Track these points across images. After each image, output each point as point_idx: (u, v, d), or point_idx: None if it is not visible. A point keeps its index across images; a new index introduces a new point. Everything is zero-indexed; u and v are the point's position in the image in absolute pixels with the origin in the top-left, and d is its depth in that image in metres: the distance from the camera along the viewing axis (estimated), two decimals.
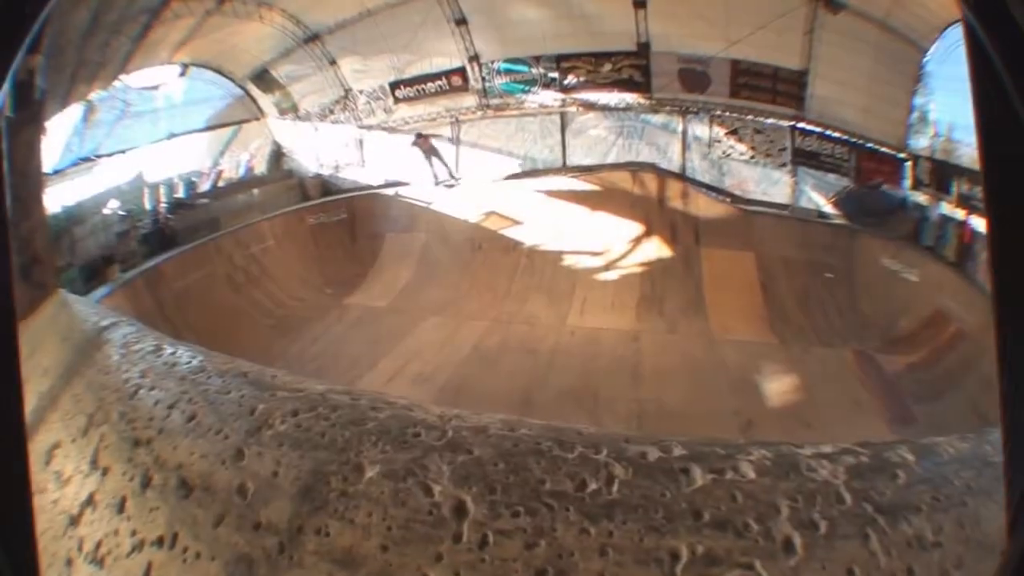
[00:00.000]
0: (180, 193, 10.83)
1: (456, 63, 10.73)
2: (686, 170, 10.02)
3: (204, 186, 11.23)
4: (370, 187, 11.06)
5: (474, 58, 10.69)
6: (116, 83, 9.58)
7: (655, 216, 9.44)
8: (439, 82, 10.89)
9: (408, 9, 10.46)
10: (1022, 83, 0.76)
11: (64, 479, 1.65)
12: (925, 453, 1.36)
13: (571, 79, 10.41)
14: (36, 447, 1.76)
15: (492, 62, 10.69)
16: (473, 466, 1.24)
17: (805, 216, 10.32)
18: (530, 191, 10.07)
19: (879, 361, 8.16)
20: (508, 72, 10.71)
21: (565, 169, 10.27)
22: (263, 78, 11.65)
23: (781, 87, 10.51)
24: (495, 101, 10.79)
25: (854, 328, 8.87)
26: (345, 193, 11.07)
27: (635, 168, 9.97)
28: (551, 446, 1.27)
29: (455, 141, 10.73)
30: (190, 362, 1.79)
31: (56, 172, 8.78)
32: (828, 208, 10.40)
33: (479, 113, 10.87)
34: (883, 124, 10.23)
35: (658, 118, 10.36)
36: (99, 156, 9.73)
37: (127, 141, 10.15)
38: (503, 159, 10.60)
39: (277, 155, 12.01)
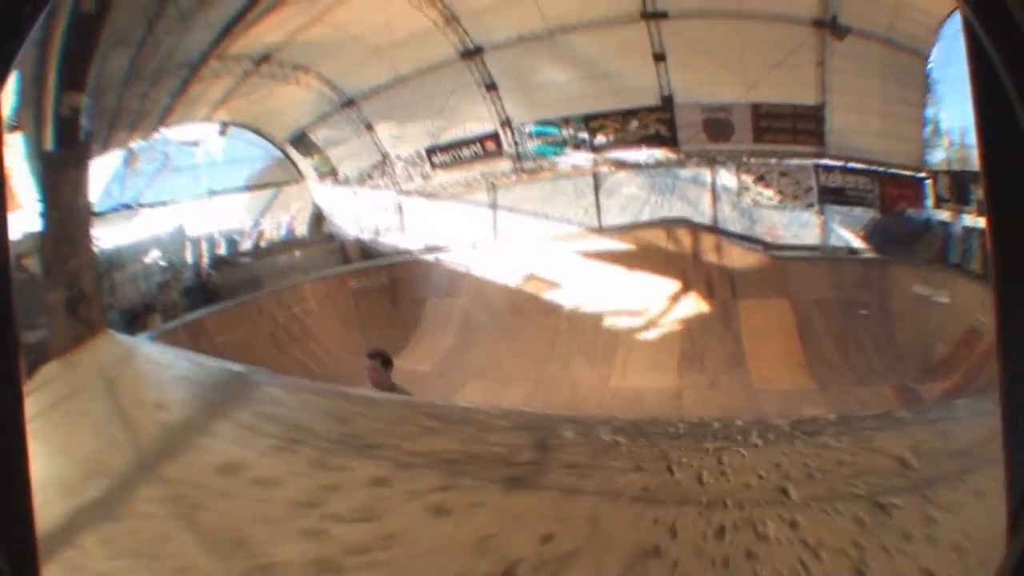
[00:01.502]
0: (222, 250, 11.27)
1: (489, 128, 11.09)
2: (718, 221, 10.23)
3: (246, 244, 11.72)
4: (410, 252, 11.42)
5: (506, 122, 11.06)
6: (156, 135, 10.08)
7: (691, 271, 9.67)
8: (474, 147, 11.25)
9: (439, 75, 10.89)
10: (1022, 83, 0.79)
11: None
12: None
13: (600, 138, 10.74)
14: None
15: (523, 125, 11.04)
16: None
17: (835, 255, 10.43)
18: (567, 253, 10.34)
19: (918, 393, 8.24)
20: (539, 135, 11.06)
21: (601, 229, 10.53)
22: (302, 141, 12.07)
23: (801, 125, 10.71)
24: (529, 164, 11.12)
25: (892, 362, 8.93)
26: (385, 257, 11.44)
27: (669, 224, 10.23)
28: None
29: (492, 206, 11.07)
30: None
31: (95, 214, 8.94)
32: (857, 243, 10.48)
33: (514, 177, 11.22)
34: (900, 145, 10.38)
35: (687, 171, 10.61)
36: (140, 204, 10.18)
37: (167, 193, 10.63)
38: (540, 222, 10.89)
39: (318, 218, 12.44)
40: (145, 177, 10.28)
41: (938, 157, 10.07)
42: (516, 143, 11.03)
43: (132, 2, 7.66)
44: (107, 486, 2.43)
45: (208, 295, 9.94)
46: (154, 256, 10.08)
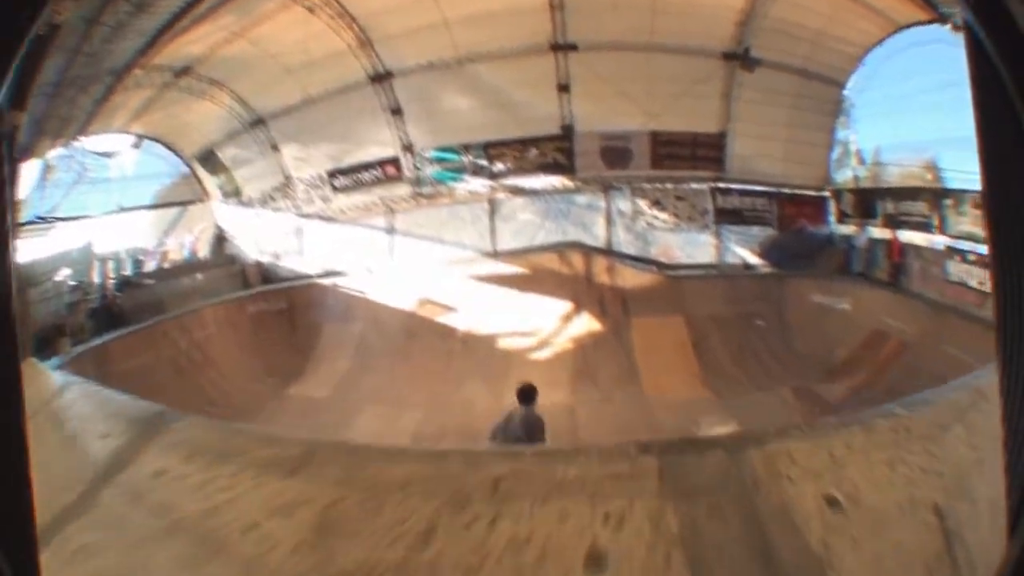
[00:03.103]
0: (127, 270, 10.83)
1: (390, 152, 11.12)
2: (612, 245, 10.48)
3: (150, 265, 11.21)
4: (309, 276, 11.22)
5: (408, 147, 11.12)
6: (76, 143, 9.64)
7: (583, 292, 9.82)
8: (374, 171, 11.24)
9: (347, 98, 10.90)
10: (1022, 83, 0.78)
11: None
12: None
13: (499, 166, 10.91)
14: None
15: (424, 150, 11.12)
16: None
17: (731, 272, 10.68)
18: (462, 277, 10.37)
19: (819, 392, 8.45)
20: (439, 161, 11.14)
21: (495, 254, 10.63)
22: (209, 159, 11.78)
23: (701, 152, 11.06)
24: (427, 189, 11.17)
25: (792, 369, 9.13)
26: (285, 281, 11.21)
27: (562, 248, 10.42)
28: None
29: (390, 230, 11.06)
30: None
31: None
32: (754, 259, 10.82)
33: (412, 202, 11.23)
34: (804, 168, 10.81)
35: (583, 197, 10.87)
36: (56, 218, 9.67)
37: (81, 207, 10.14)
38: (436, 246, 10.92)
39: (220, 240, 12.06)
40: (62, 188, 9.79)
41: (846, 175, 10.60)
42: (416, 168, 11.09)
43: (73, 8, 7.33)
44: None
45: (113, 319, 9.48)
46: (64, 274, 9.56)
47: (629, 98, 10.97)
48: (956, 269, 8.49)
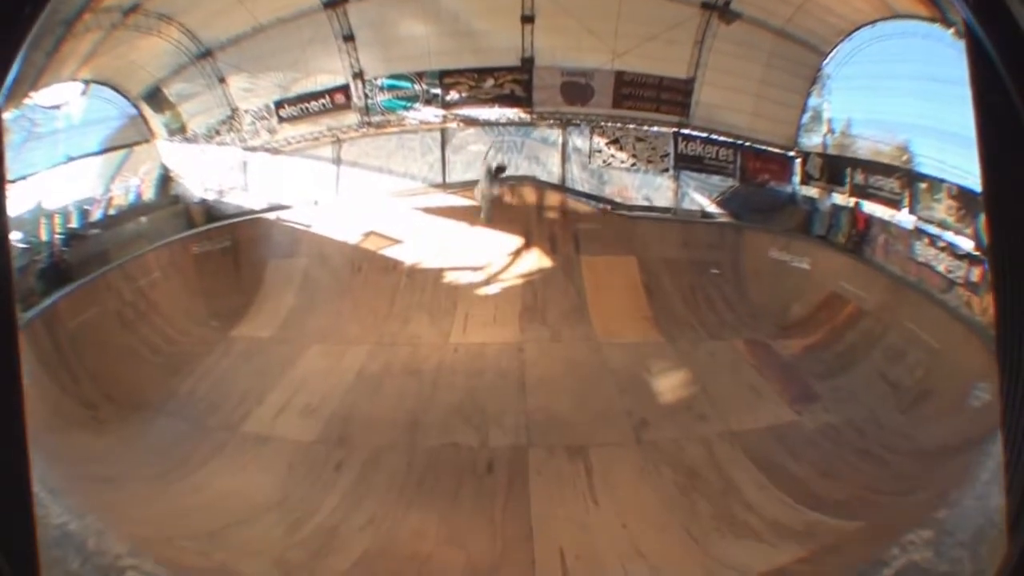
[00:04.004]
0: (74, 223, 10.19)
1: (340, 81, 10.67)
2: (565, 181, 10.31)
3: (96, 215, 10.62)
4: (253, 212, 10.83)
5: (358, 75, 10.66)
6: (27, 100, 8.94)
7: (534, 228, 9.64)
8: (322, 100, 10.76)
9: (298, 25, 10.43)
10: (1022, 83, 0.77)
11: None
12: None
13: (453, 95, 10.51)
14: None
15: (376, 79, 10.67)
16: None
17: (688, 217, 10.56)
18: (409, 209, 10.11)
19: (773, 347, 8.49)
20: (391, 89, 10.70)
21: (444, 186, 10.39)
22: (155, 97, 11.15)
23: (665, 96, 10.82)
24: (376, 119, 10.76)
25: (745, 319, 9.16)
26: (229, 219, 10.79)
27: (513, 182, 10.17)
28: None
29: (336, 161, 10.68)
30: None
31: None
32: (713, 208, 10.73)
33: (360, 131, 10.81)
34: (772, 125, 10.63)
35: (538, 132, 10.61)
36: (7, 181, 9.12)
37: (30, 165, 9.41)
38: (383, 177, 10.62)
39: (165, 180, 11.49)
40: (13, 150, 9.14)
41: (814, 141, 10.44)
42: (366, 96, 10.66)
43: None
44: None
45: (62, 276, 9.01)
46: (15, 238, 9.01)
47: (596, 35, 10.65)
48: (924, 250, 8.49)
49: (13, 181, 9.09)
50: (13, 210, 9.15)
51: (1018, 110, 0.80)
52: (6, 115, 8.54)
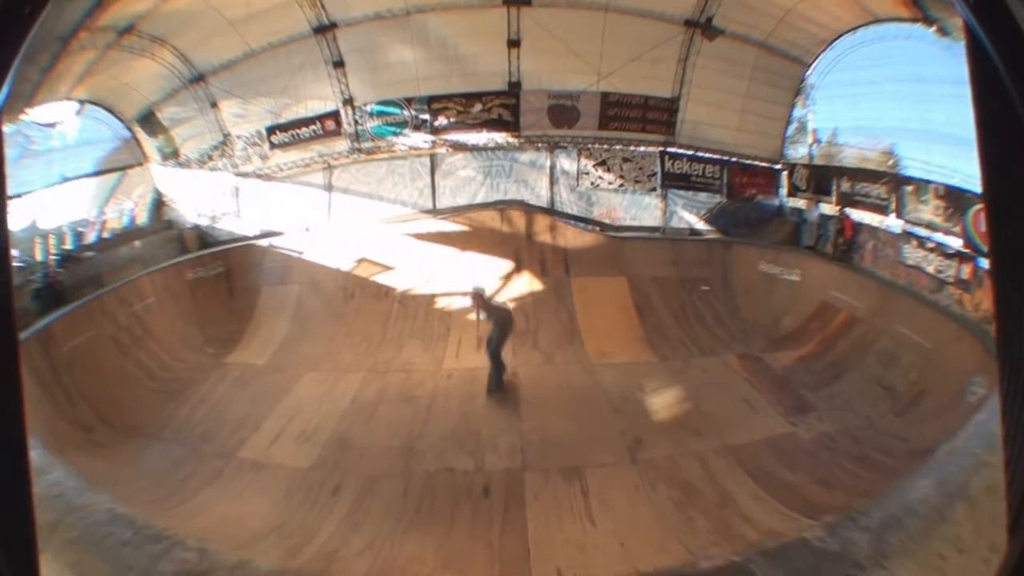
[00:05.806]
0: (69, 244, 10.20)
1: (330, 106, 10.71)
2: (554, 204, 10.40)
3: (90, 237, 10.59)
4: (246, 238, 10.83)
5: (348, 101, 10.71)
6: (22, 117, 9.04)
7: (524, 252, 9.71)
8: (313, 127, 10.82)
9: (289, 51, 10.47)
10: (1022, 83, 0.78)
11: None
12: None
13: (441, 120, 10.59)
14: None
15: (365, 104, 10.73)
16: None
17: (677, 235, 10.62)
18: (400, 235, 10.12)
19: (766, 360, 8.45)
20: (380, 115, 10.77)
21: (434, 211, 10.43)
22: (149, 120, 11.22)
23: (651, 115, 10.98)
24: (366, 145, 10.81)
25: (737, 334, 9.18)
26: (222, 245, 10.80)
27: (502, 206, 10.25)
28: None
29: (328, 187, 10.71)
30: None
31: None
32: (701, 225, 10.84)
33: (351, 157, 10.87)
34: (757, 139, 10.81)
35: (526, 155, 10.71)
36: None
37: (26, 184, 9.54)
38: (374, 204, 10.64)
39: (158, 204, 11.48)
40: (9, 165, 9.14)
41: (800, 152, 10.62)
42: (356, 122, 10.71)
43: None
44: None
45: (56, 297, 8.97)
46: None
47: (581, 57, 10.79)
48: (912, 253, 8.53)
49: (11, 198, 9.21)
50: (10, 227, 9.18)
51: (1019, 111, 0.80)
52: (5, 127, 8.57)
